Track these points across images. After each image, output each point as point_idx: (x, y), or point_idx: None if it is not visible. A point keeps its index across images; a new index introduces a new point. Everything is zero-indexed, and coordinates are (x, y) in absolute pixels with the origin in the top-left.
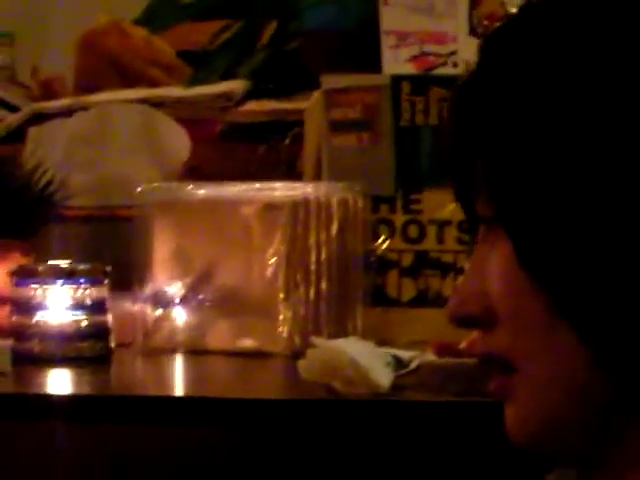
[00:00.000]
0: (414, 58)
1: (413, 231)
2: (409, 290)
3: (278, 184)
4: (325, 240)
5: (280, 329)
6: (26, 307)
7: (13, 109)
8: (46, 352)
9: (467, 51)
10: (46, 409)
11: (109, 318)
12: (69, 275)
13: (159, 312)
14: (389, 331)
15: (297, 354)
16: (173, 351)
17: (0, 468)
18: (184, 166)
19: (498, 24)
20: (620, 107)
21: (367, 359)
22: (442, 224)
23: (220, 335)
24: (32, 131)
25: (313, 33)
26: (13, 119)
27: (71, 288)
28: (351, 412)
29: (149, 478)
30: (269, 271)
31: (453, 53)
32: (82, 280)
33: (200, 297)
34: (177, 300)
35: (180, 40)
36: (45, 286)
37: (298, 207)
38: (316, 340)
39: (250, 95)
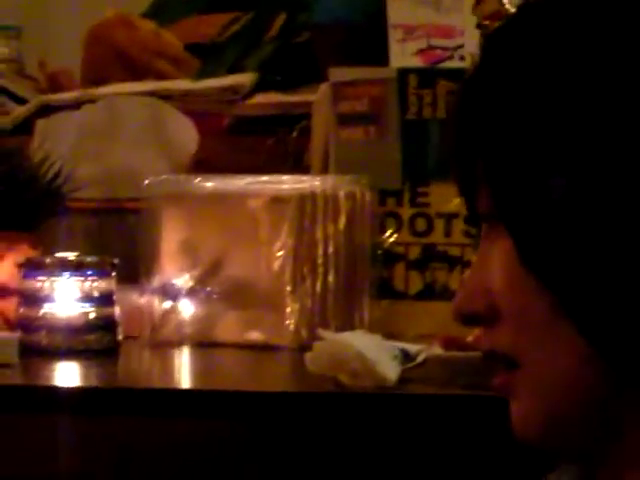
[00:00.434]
0: (421, 51)
1: (420, 224)
2: (416, 283)
3: (286, 177)
4: (332, 233)
5: (287, 322)
6: (34, 299)
7: (21, 101)
8: (53, 344)
9: (474, 45)
10: (53, 401)
11: (116, 310)
12: (77, 267)
13: (166, 305)
14: (396, 324)
15: (304, 347)
16: (180, 343)
17: (7, 460)
18: (192, 159)
19: (498, 24)
20: (617, 105)
21: (374, 352)
22: (449, 217)
23: (227, 328)
24: (40, 123)
25: (321, 26)
26: (21, 111)
27: (78, 280)
28: (358, 405)
29: (156, 471)
30: (276, 264)
31: (460, 47)
32: (89, 272)
33: (207, 290)
34: (184, 293)
35: (188, 33)
36: (53, 278)
37: (305, 200)
38: (323, 333)
39: (258, 88)
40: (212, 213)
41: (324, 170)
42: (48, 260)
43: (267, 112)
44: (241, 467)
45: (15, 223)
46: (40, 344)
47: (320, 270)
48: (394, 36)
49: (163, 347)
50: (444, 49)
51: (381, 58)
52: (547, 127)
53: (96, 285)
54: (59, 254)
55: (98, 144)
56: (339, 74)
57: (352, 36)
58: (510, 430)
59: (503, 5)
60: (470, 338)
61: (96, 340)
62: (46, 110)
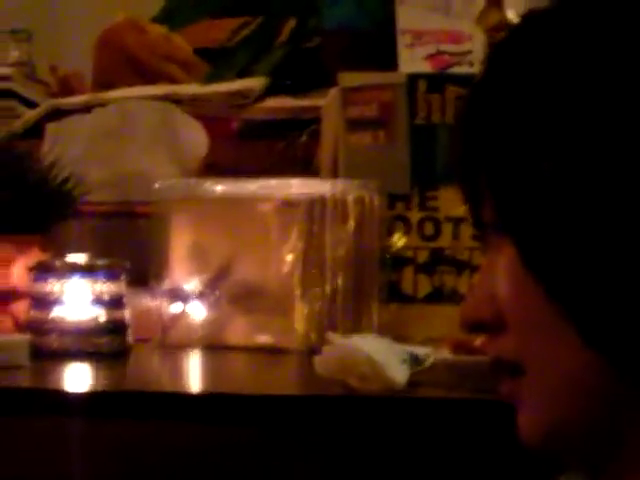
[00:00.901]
0: (430, 57)
1: (429, 228)
2: (424, 287)
3: (295, 181)
4: (341, 237)
5: (296, 325)
6: (44, 302)
7: (31, 105)
8: (64, 347)
9: (483, 50)
10: (63, 404)
11: (127, 313)
12: (87, 270)
13: (176, 308)
14: (404, 328)
15: (313, 350)
16: (190, 347)
17: (16, 461)
18: (202, 163)
19: (502, 35)
20: (621, 115)
21: (383, 356)
22: (458, 221)
23: (237, 331)
24: (50, 127)
25: (331, 31)
26: (31, 115)
27: (89, 283)
28: (367, 409)
29: (165, 474)
30: (286, 268)
31: (469, 52)
32: (100, 275)
33: (217, 293)
34: (194, 296)
35: (198, 37)
36: (63, 281)
37: (315, 204)
38: (332, 336)
39: (268, 92)
40: (222, 217)
41: (333, 174)
42: (58, 263)
43: (277, 116)
44: (250, 470)
45: (26, 226)
46: (50, 347)
47: (329, 274)
48: (403, 41)
49: (173, 350)
50: (453, 54)
51: (390, 63)
52: (549, 139)
53: (106, 288)
54: (69, 257)
55: (108, 148)
56: (348, 79)
57: (361, 41)
58: (518, 434)
59: (507, 16)
60: (478, 342)
61: (106, 343)
62: (57, 114)
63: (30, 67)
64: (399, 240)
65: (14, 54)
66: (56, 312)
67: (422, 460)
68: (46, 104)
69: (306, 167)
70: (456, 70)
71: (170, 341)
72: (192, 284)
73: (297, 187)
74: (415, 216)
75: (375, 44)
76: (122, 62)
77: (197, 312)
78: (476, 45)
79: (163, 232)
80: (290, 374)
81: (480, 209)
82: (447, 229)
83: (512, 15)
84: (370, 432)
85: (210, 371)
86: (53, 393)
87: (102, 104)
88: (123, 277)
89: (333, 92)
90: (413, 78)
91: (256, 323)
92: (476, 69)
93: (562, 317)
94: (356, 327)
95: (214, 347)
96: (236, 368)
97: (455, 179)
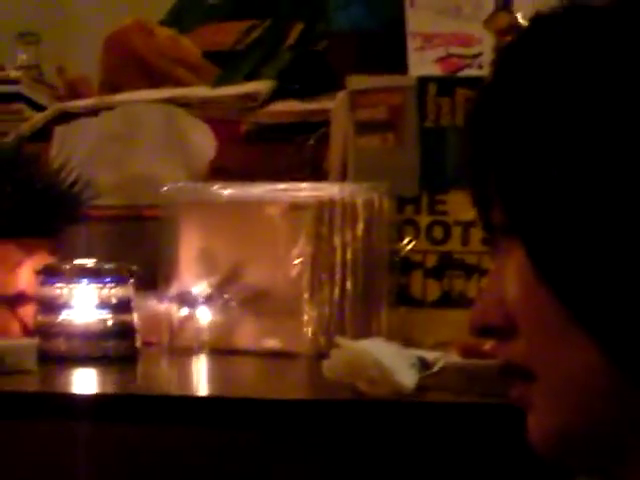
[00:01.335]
0: (440, 60)
1: (438, 232)
2: (433, 291)
3: (304, 184)
4: (350, 240)
5: (305, 329)
6: (52, 306)
7: (39, 108)
8: (72, 351)
9: (493, 53)
10: (71, 408)
11: (135, 317)
12: (95, 274)
13: (184, 312)
14: (413, 332)
15: (322, 354)
16: (198, 351)
17: (24, 466)
18: (210, 166)
19: (510, 38)
20: (630, 116)
21: (391, 360)
22: (467, 225)
23: (245, 335)
24: (58, 130)
25: (339, 34)
26: (39, 118)
27: (97, 287)
28: (375, 413)
29: (173, 478)
30: (294, 271)
31: (479, 55)
32: (108, 279)
33: (225, 297)
34: (202, 300)
35: (206, 40)
36: (71, 285)
37: (323, 207)
38: (341, 340)
39: (276, 95)
40: (230, 220)
41: (342, 177)
42: (66, 267)
43: (285, 120)
44: (259, 475)
45: (33, 230)
46: (58, 351)
47: (338, 277)
48: (413, 44)
49: (181, 354)
50: (463, 57)
51: (400, 66)
52: (559, 140)
53: (114, 292)
54: (77, 261)
55: (116, 151)
56: (357, 82)
57: (370, 44)
58: (527, 438)
59: (516, 19)
60: (488, 346)
61: (114, 347)
62: (64, 117)
63: (38, 70)
64: (408, 244)
65: (22, 57)
66: (64, 316)
67: (431, 464)
68: (54, 107)
69: (315, 170)
70: (466, 73)
71: (178, 345)
72: (200, 288)
73: (306, 190)
74: (424, 220)
75: (384, 47)
76: (130, 65)
77: (205, 316)
78: (486, 48)
79: (171, 236)
80: (299, 378)
81: (489, 212)
82: (456, 233)
83: (521, 18)
84: (379, 436)
85: (218, 375)
86: (61, 397)
87: (110, 107)
88: (131, 281)
89: (342, 95)
90: (423, 81)
91: (265, 327)
92: (486, 72)
93: (573, 321)
94: (365, 331)
95: (222, 351)
96: (244, 372)
97: (464, 182)
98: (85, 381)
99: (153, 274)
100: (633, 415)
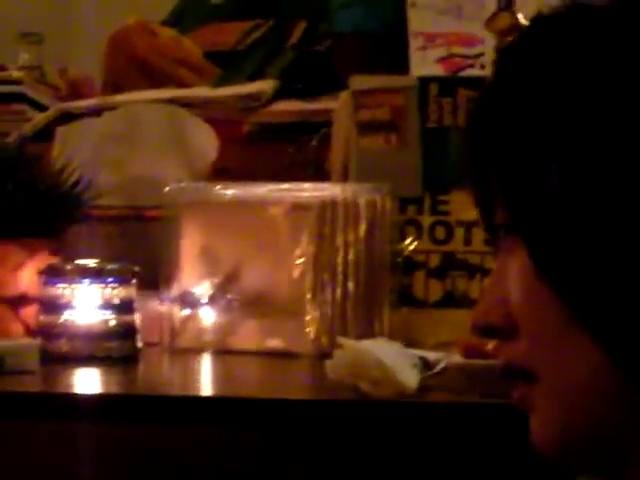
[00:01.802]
0: (442, 60)
1: (440, 232)
2: (436, 291)
3: (306, 185)
4: (352, 241)
5: (307, 329)
6: (54, 306)
7: (41, 108)
8: (74, 351)
9: (494, 53)
10: (73, 408)
11: (137, 318)
12: (97, 274)
13: (186, 312)
14: (416, 332)
15: (324, 354)
16: (200, 351)
17: (26, 466)
18: (212, 166)
19: (512, 39)
20: (631, 115)
21: (394, 360)
22: (469, 225)
23: (247, 335)
24: (60, 130)
25: (342, 34)
26: (41, 118)
27: (99, 287)
28: (377, 413)
29: (176, 478)
30: (296, 271)
31: (481, 55)
32: (110, 279)
33: (227, 297)
34: (204, 300)
35: (208, 40)
36: (73, 285)
37: (326, 208)
38: (343, 341)
39: (278, 95)
40: (232, 221)
41: (344, 178)
42: (68, 267)
43: (287, 120)
44: (262, 475)
45: (35, 230)
46: (60, 351)
47: (340, 278)
48: (415, 44)
49: (183, 354)
50: (465, 57)
51: (401, 66)
52: (558, 139)
53: (116, 292)
54: (79, 261)
55: (118, 151)
56: (360, 82)
57: (372, 44)
58: (529, 439)
59: (517, 19)
60: (490, 346)
61: (116, 347)
62: (66, 117)
63: (40, 70)
64: (410, 244)
65: (24, 57)
66: (66, 316)
67: (433, 464)
68: (56, 107)
69: (317, 170)
70: (468, 73)
71: (180, 345)
72: (202, 288)
73: (308, 190)
74: (427, 220)
75: (386, 47)
76: (132, 65)
77: (207, 316)
78: (488, 48)
79: (173, 236)
80: (301, 378)
81: (492, 212)
82: (459, 233)
83: (523, 18)
84: (381, 436)
85: (220, 375)
86: (63, 397)
87: (112, 107)
88: (133, 281)
89: (344, 95)
90: (425, 81)
91: (267, 327)
92: (488, 72)
93: (575, 322)
94: (367, 331)
95: (224, 351)
96: (247, 372)
97: (466, 182)
98: (87, 381)
99: (155, 274)
100: (635, 416)
